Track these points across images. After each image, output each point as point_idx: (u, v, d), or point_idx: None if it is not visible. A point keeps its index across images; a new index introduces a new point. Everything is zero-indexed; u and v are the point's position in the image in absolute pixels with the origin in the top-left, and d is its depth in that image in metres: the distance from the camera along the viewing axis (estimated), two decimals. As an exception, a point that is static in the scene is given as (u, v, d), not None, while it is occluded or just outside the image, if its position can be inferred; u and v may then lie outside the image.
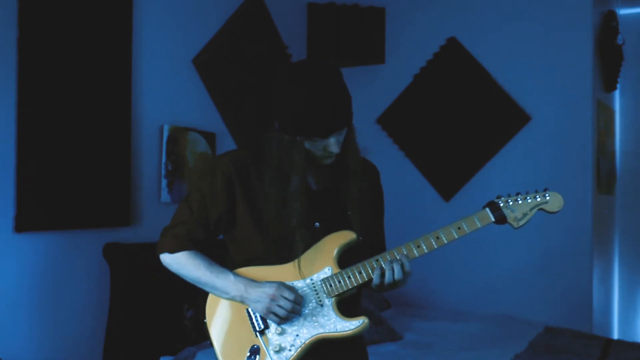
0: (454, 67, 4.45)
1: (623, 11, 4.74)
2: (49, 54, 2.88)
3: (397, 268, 1.68)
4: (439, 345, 3.29)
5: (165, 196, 3.45)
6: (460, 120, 4.42)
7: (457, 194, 4.42)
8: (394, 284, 1.70)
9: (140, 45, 3.34)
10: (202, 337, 3.27)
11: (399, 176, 4.56)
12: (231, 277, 1.73)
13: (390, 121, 4.66)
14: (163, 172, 3.45)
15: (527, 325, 3.71)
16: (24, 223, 2.77)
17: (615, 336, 4.86)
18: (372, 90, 4.72)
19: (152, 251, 3.33)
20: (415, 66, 4.58)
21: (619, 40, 4.44)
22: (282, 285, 1.68)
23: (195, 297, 3.24)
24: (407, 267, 1.70)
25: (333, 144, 1.66)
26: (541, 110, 4.23)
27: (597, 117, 4.27)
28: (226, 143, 3.86)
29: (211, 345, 1.77)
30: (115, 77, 3.18)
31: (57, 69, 2.92)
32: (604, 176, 4.50)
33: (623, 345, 3.47)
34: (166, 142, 3.45)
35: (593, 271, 4.16)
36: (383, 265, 1.69)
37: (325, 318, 1.70)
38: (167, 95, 3.51)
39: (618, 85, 4.69)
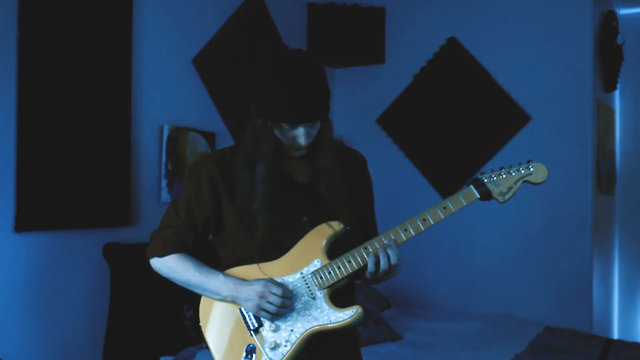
0: (454, 67, 4.45)
1: (623, 11, 4.74)
2: (49, 54, 2.88)
3: (392, 253, 1.67)
4: (439, 345, 3.29)
5: (165, 196, 3.45)
6: (460, 120, 4.42)
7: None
8: (389, 270, 1.68)
9: (140, 45, 3.34)
10: (202, 337, 3.27)
11: (399, 176, 4.56)
12: (221, 277, 1.73)
13: (390, 121, 4.66)
14: (163, 172, 3.45)
15: (527, 325, 3.71)
16: (24, 223, 2.77)
17: (615, 336, 4.86)
18: (372, 90, 4.72)
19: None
20: (415, 66, 4.58)
21: (619, 40, 4.44)
22: (270, 281, 1.67)
23: (195, 297, 3.23)
24: (390, 259, 1.68)
25: (301, 135, 1.64)
26: (541, 110, 4.23)
27: (597, 117, 4.27)
28: (226, 143, 3.86)
29: (207, 348, 1.77)
30: (115, 77, 3.18)
31: (57, 69, 2.92)
32: (604, 176, 4.50)
33: (623, 345, 3.47)
34: (166, 142, 3.45)
35: (593, 271, 4.16)
36: (378, 252, 1.67)
37: (319, 310, 1.68)
38: (167, 95, 3.51)
39: (618, 85, 4.69)
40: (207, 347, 1.78)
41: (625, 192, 4.96)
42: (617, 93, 4.93)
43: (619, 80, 4.65)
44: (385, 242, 1.69)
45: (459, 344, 3.32)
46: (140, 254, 3.08)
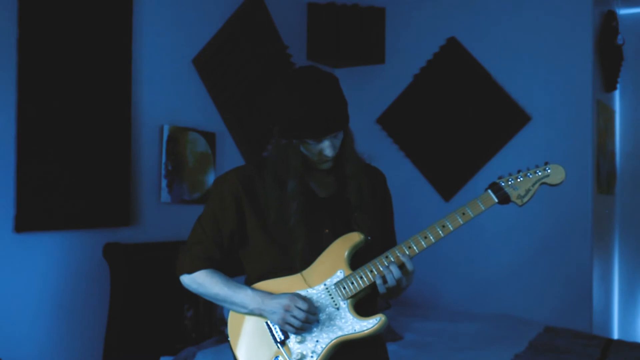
0: (454, 67, 4.45)
1: (623, 11, 4.74)
2: (49, 54, 2.88)
3: (394, 269, 1.70)
4: (439, 345, 3.29)
5: (165, 196, 3.45)
6: (460, 120, 4.42)
7: (457, 194, 4.42)
8: (398, 285, 1.72)
9: (140, 45, 3.34)
10: (202, 337, 3.27)
11: (399, 176, 4.55)
12: (248, 291, 1.77)
13: (390, 121, 4.66)
14: (163, 172, 3.45)
15: (527, 325, 3.71)
16: (24, 223, 2.77)
17: (615, 336, 4.86)
18: (372, 90, 4.72)
19: (152, 251, 3.34)
20: (415, 66, 4.58)
21: (619, 40, 4.44)
22: (295, 296, 1.71)
23: (195, 298, 3.24)
24: (409, 266, 1.72)
25: (327, 147, 1.69)
26: (541, 110, 4.23)
27: (597, 117, 4.27)
28: (226, 143, 3.86)
29: None
30: (115, 77, 3.18)
31: (57, 69, 2.92)
32: (604, 176, 4.50)
33: (623, 345, 3.47)
34: (166, 142, 3.45)
35: (593, 271, 4.16)
36: (382, 273, 1.71)
37: (343, 320, 1.72)
38: (167, 95, 3.51)
39: (618, 85, 4.69)
40: None
41: (625, 192, 4.96)
42: (617, 93, 4.93)
43: (619, 80, 4.65)
44: (406, 250, 1.73)
45: (459, 344, 3.32)
46: (140, 254, 3.10)
